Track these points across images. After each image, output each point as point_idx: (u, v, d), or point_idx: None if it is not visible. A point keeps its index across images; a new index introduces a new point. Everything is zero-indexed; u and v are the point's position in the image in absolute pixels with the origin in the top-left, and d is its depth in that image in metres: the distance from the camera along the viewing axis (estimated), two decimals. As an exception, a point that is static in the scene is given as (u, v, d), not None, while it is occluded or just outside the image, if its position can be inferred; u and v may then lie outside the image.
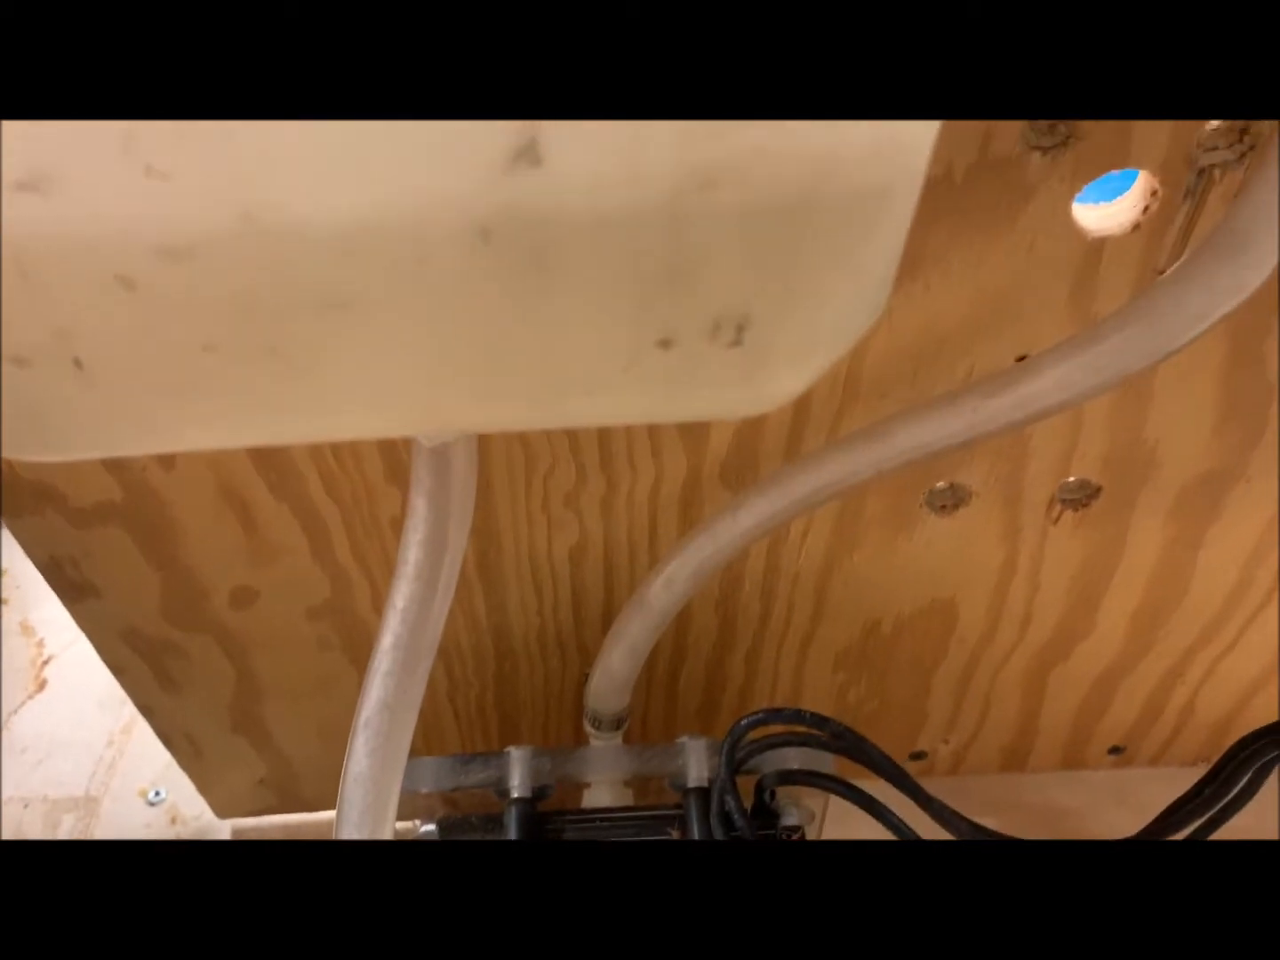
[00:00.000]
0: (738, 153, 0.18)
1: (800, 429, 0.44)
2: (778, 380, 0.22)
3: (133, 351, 0.20)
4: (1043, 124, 0.35)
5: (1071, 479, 0.47)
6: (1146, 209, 0.37)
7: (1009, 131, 0.35)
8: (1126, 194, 0.38)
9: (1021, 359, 0.42)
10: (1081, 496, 0.48)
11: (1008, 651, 0.58)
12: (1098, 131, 0.35)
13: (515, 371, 0.21)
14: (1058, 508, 0.49)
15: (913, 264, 0.38)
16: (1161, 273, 0.39)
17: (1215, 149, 0.36)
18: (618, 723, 0.48)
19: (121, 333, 0.20)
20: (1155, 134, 0.35)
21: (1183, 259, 0.32)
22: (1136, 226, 0.38)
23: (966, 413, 0.36)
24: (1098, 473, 0.47)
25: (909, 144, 0.19)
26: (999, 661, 0.58)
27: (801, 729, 0.42)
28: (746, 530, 0.43)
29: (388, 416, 0.22)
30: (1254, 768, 0.44)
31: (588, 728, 0.49)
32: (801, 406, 0.43)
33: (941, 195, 0.36)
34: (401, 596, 0.34)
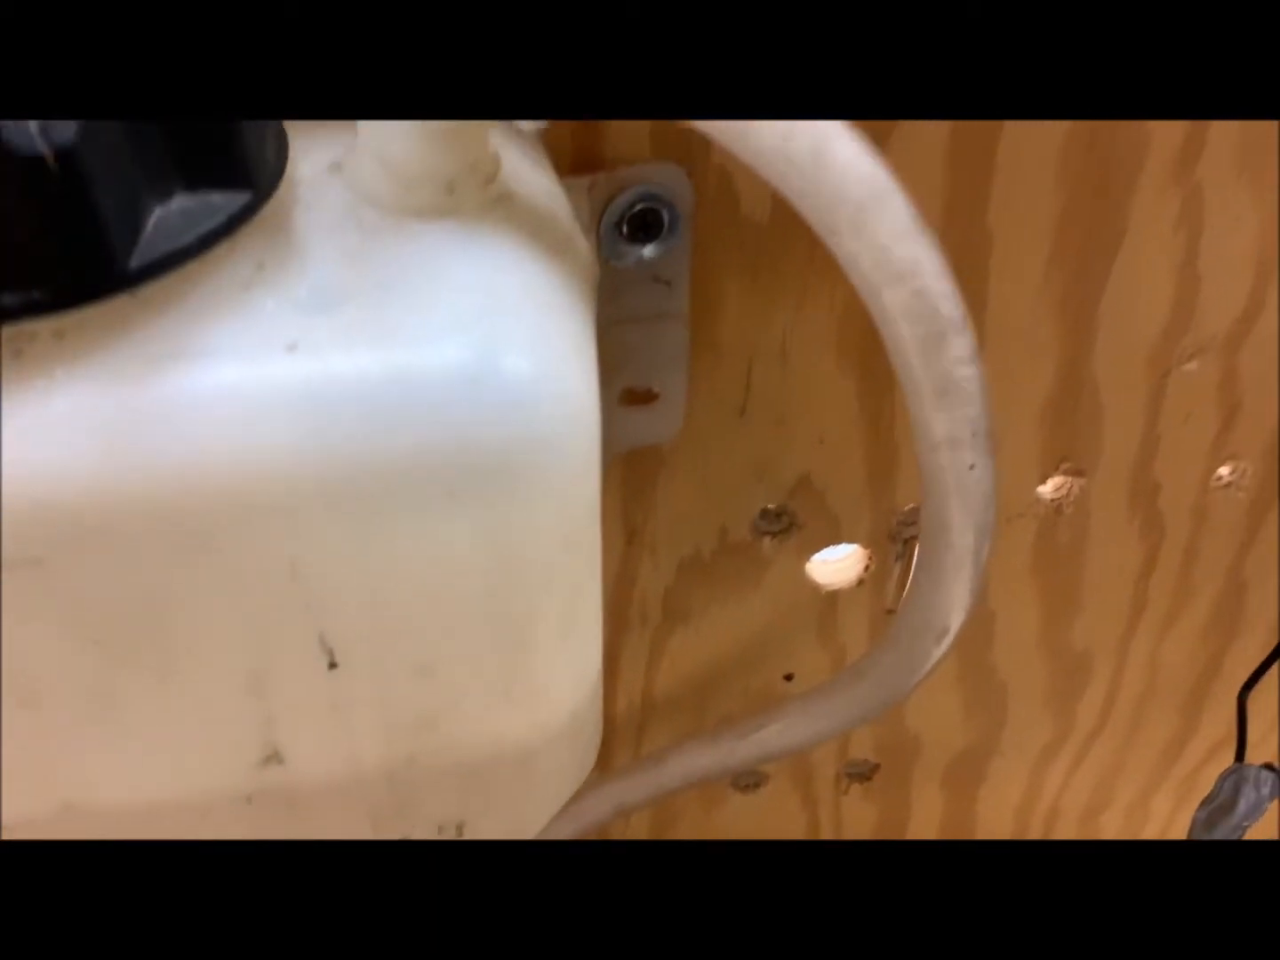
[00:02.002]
0: (431, 747, 0.25)
1: (609, 743, 0.51)
2: (499, 846, 0.29)
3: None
4: (771, 513, 0.43)
5: (852, 758, 0.55)
6: (867, 568, 0.45)
7: (742, 523, 0.43)
8: (848, 555, 0.46)
9: (789, 677, 0.49)
10: (864, 771, 0.56)
11: (829, 893, 0.64)
12: (813, 521, 0.43)
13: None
14: (845, 781, 0.56)
15: (684, 616, 0.46)
16: (890, 611, 0.47)
17: (913, 524, 0.44)
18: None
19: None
20: (859, 517, 0.43)
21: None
22: (861, 581, 0.46)
23: (724, 751, 0.43)
24: (873, 753, 0.54)
25: (549, 714, 0.26)
26: (823, 901, 0.64)
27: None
28: (568, 836, 0.49)
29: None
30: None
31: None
32: (609, 723, 0.50)
33: (694, 570, 0.44)
34: None
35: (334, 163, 0.23)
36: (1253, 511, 0.46)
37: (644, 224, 0.33)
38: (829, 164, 0.21)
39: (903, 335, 0.25)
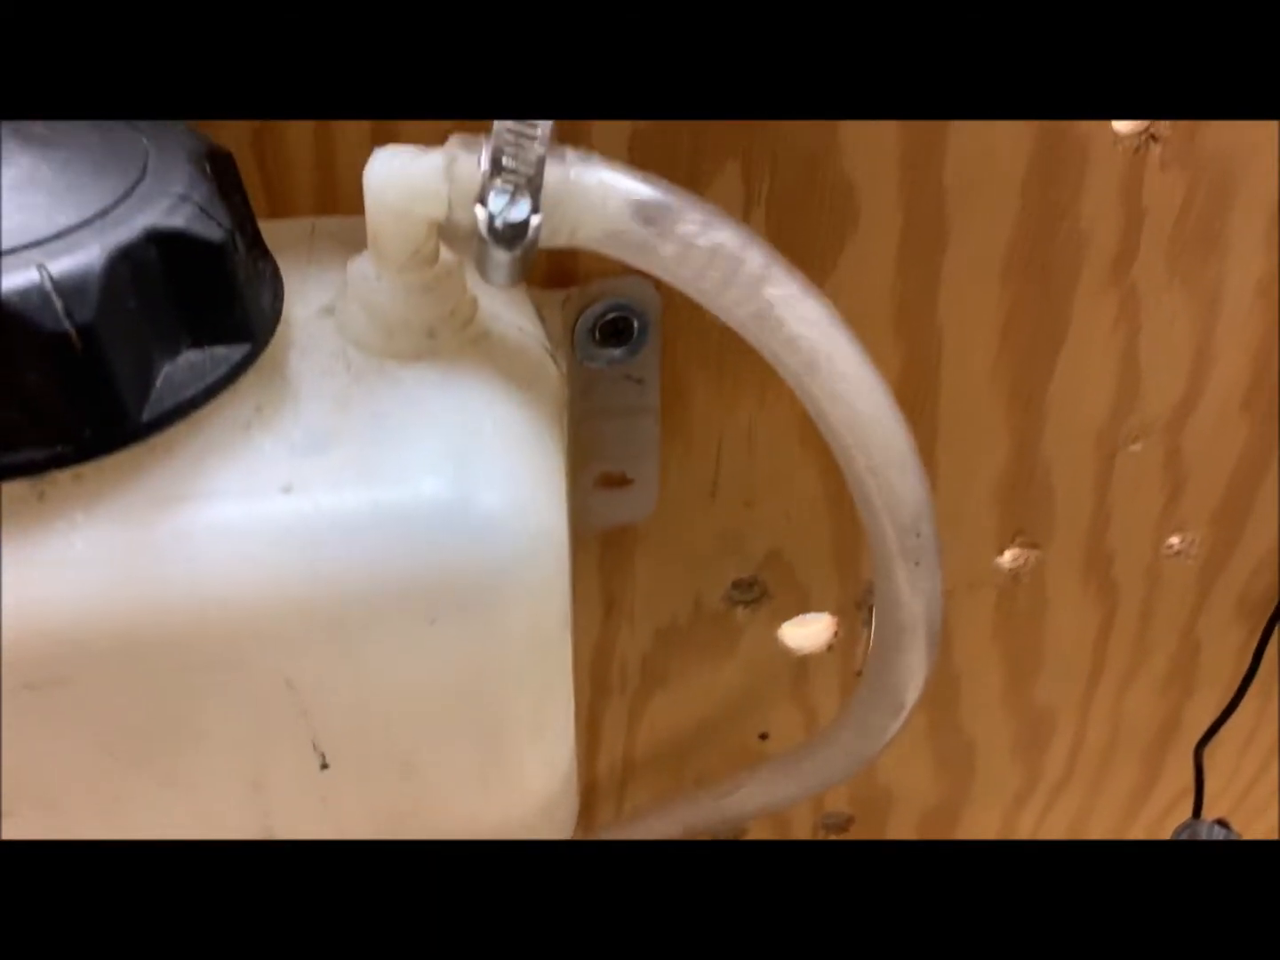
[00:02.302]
0: (413, 833, 0.27)
1: (592, 802, 0.53)
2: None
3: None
4: (743, 583, 0.45)
5: (828, 811, 0.57)
6: (836, 633, 0.48)
7: (715, 593, 0.45)
8: (818, 621, 0.48)
9: (764, 735, 0.52)
10: (840, 822, 0.58)
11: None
12: (784, 591, 0.45)
13: None
14: (821, 832, 0.58)
15: (662, 681, 0.48)
16: (859, 673, 0.49)
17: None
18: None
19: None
20: (827, 587, 0.46)
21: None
22: (830, 647, 0.48)
23: (703, 810, 0.45)
24: (847, 806, 0.56)
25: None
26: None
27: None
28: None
29: None
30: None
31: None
32: (590, 784, 0.52)
33: (671, 637, 0.46)
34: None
35: (325, 306, 0.26)
36: (1203, 576, 0.48)
37: (615, 331, 0.35)
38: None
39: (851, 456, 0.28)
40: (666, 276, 0.25)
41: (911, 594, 0.33)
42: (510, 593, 0.23)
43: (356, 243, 0.29)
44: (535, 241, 0.23)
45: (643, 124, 0.32)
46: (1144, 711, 0.54)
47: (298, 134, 0.31)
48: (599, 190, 0.23)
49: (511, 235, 0.22)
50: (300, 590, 0.22)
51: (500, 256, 0.23)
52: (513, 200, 0.22)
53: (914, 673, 0.36)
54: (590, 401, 0.37)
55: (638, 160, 0.33)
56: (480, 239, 0.23)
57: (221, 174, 0.24)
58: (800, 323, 0.25)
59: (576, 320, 0.35)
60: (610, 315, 0.35)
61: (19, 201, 0.21)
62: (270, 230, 0.26)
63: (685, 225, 0.24)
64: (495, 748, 0.26)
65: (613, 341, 0.35)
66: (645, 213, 0.23)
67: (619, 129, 0.32)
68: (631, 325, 0.35)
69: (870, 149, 0.33)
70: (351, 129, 0.31)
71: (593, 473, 0.40)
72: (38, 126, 0.23)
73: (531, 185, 0.22)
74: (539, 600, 0.24)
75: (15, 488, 0.22)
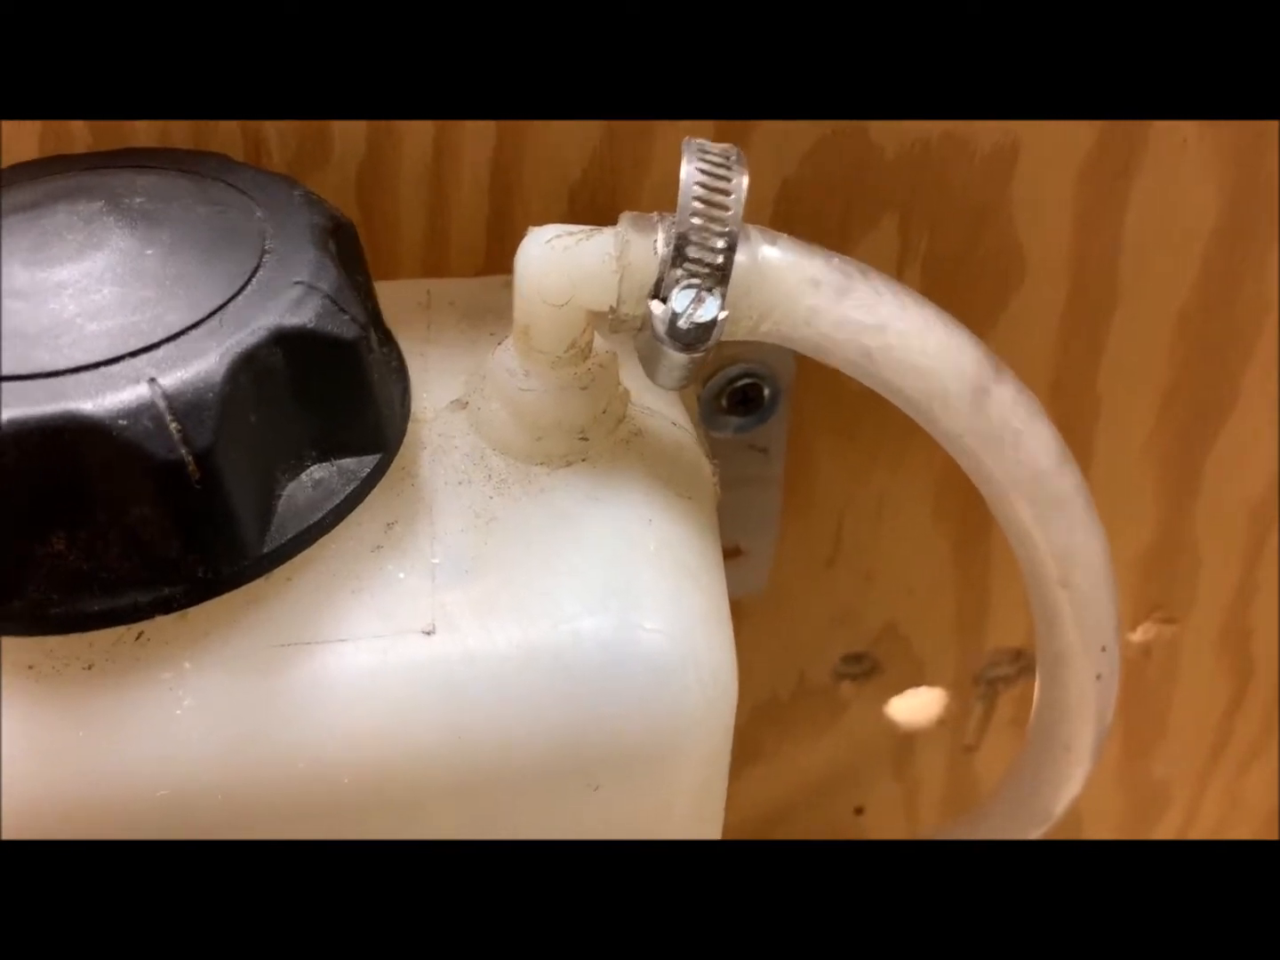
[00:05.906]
0: None
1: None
2: None
3: None
4: (852, 657, 0.42)
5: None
6: (947, 707, 0.44)
7: (822, 668, 0.42)
8: (929, 694, 0.44)
9: (859, 810, 0.48)
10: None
11: None
12: (896, 665, 0.42)
13: None
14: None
15: (754, 756, 0.45)
16: (969, 747, 0.46)
17: (999, 664, 0.43)
18: None
19: None
20: (944, 660, 0.42)
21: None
22: (942, 721, 0.44)
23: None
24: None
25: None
26: None
27: None
28: None
29: None
30: None
31: None
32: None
33: (769, 713, 0.43)
34: None
35: (456, 400, 0.22)
36: (1346, 651, 0.45)
37: (744, 398, 0.32)
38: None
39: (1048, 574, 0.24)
40: (859, 376, 0.22)
41: (1083, 710, 0.30)
42: (681, 751, 0.20)
43: (478, 312, 0.26)
44: (717, 342, 0.19)
45: (793, 171, 0.28)
46: (1264, 790, 0.50)
47: (409, 186, 0.28)
48: (793, 277, 0.20)
49: (694, 338, 0.19)
50: (444, 749, 0.19)
51: (677, 359, 0.19)
52: (698, 298, 0.19)
53: (1068, 790, 0.32)
54: (708, 470, 0.34)
55: (785, 210, 0.29)
56: (655, 339, 0.19)
57: (346, 252, 0.21)
58: (1027, 455, 0.21)
59: (705, 384, 0.31)
60: (742, 382, 0.31)
61: (123, 297, 0.18)
62: (381, 297, 0.22)
63: (898, 332, 0.20)
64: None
65: (740, 409, 0.32)
66: (853, 313, 0.20)
67: (770, 176, 0.28)
68: (762, 393, 0.32)
69: (1044, 205, 0.29)
70: (468, 180, 0.27)
71: (703, 543, 0.36)
72: (138, 198, 0.20)
73: (718, 276, 0.19)
74: (710, 752, 0.21)
75: (109, 629, 0.18)
